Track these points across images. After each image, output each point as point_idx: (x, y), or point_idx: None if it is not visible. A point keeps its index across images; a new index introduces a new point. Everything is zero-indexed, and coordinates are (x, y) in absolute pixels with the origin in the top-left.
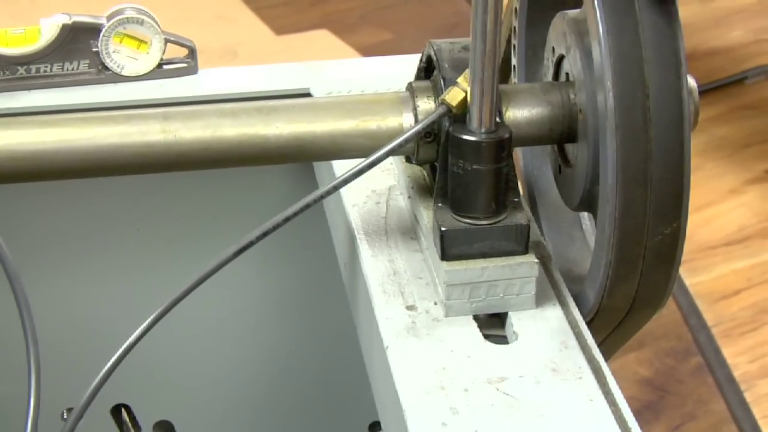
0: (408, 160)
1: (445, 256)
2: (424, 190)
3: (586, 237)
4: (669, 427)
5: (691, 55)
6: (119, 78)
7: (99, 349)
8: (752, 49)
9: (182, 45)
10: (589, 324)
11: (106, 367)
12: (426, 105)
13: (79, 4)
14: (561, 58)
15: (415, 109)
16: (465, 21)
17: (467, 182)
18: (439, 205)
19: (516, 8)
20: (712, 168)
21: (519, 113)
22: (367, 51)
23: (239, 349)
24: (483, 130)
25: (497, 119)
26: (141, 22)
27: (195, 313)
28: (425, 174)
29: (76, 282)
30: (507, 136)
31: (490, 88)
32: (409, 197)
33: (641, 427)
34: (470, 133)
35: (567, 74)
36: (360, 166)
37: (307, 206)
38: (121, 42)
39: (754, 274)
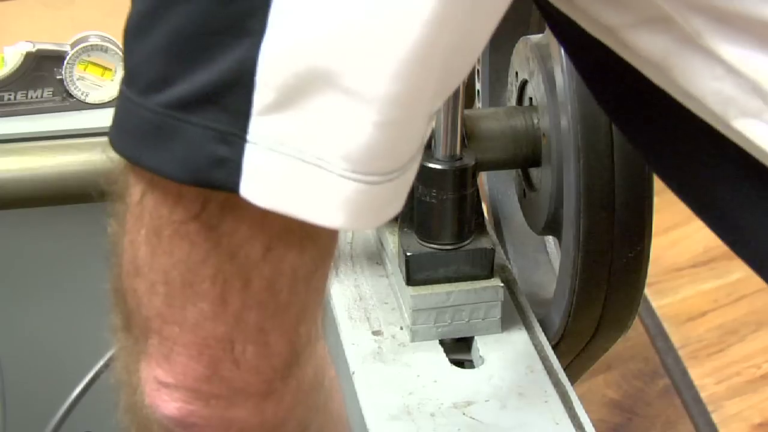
0: None
1: (410, 281)
2: None
3: (552, 261)
4: None
5: None
6: (84, 105)
7: (66, 378)
8: None
9: None
10: (555, 347)
11: (73, 395)
12: None
13: (43, 31)
14: (524, 83)
15: None
16: None
17: (432, 208)
18: (405, 230)
19: None
20: None
21: (483, 138)
22: None
23: None
24: (448, 158)
25: (463, 145)
26: (105, 50)
27: None
28: None
29: (42, 311)
30: (472, 163)
31: (454, 117)
32: None
33: None
34: (435, 161)
35: (530, 98)
36: None
37: None
38: (85, 69)
39: (720, 296)
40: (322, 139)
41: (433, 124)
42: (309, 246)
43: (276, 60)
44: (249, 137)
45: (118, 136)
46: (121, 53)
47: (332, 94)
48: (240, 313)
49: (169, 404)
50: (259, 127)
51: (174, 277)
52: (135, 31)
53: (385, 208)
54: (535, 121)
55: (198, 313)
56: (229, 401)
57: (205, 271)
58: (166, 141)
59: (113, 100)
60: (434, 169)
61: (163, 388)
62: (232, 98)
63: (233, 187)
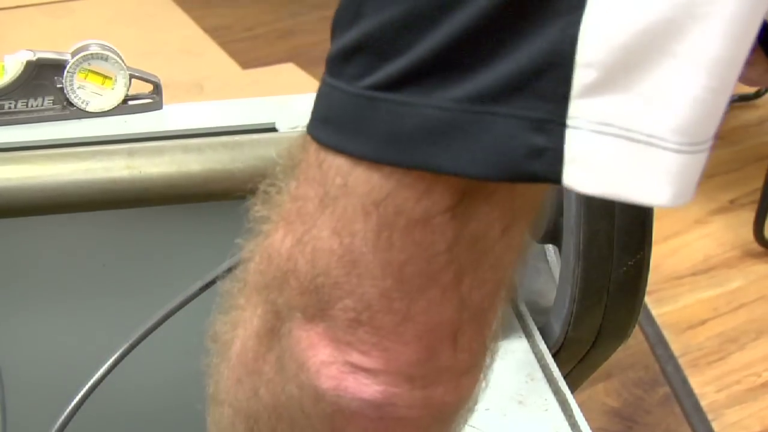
0: None
1: None
2: None
3: (552, 269)
4: None
5: None
6: (84, 114)
7: (65, 386)
8: None
9: (147, 80)
10: (555, 356)
11: (72, 404)
12: None
13: (43, 40)
14: None
15: None
16: None
17: None
18: None
19: None
20: None
21: None
22: None
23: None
24: None
25: None
26: (105, 58)
27: (162, 350)
28: None
29: (43, 319)
30: None
31: None
32: None
33: None
34: None
35: None
36: None
37: None
38: (85, 78)
39: (720, 304)
40: (652, 113)
41: None
42: (533, 216)
43: (600, 36)
44: (569, 122)
45: (372, 142)
46: (122, 62)
47: (663, 63)
48: (466, 295)
49: (369, 388)
50: (580, 110)
51: (406, 270)
52: (405, 31)
53: (697, 180)
54: None
55: (426, 301)
56: (433, 380)
57: (442, 259)
58: (464, 139)
59: (113, 108)
60: None
61: (360, 371)
62: (547, 83)
63: (555, 177)
